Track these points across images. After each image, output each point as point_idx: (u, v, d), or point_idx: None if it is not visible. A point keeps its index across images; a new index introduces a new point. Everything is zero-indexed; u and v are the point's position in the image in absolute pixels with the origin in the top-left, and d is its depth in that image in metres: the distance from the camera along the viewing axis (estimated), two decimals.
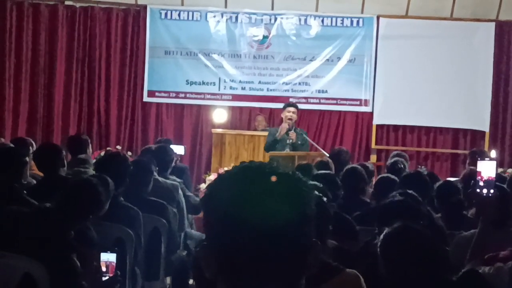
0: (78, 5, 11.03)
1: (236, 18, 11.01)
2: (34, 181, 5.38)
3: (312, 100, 10.98)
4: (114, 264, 3.49)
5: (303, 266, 1.32)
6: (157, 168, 5.85)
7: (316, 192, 2.55)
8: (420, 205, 3.91)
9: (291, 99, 10.38)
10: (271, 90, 11.04)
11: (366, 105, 11.03)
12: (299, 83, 11.04)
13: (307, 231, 1.31)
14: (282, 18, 11.01)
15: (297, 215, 1.29)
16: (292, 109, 8.50)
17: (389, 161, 7.18)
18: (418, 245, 2.80)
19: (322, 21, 11.00)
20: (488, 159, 3.51)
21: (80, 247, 3.60)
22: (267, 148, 8.44)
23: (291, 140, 8.22)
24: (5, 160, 4.64)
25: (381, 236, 2.87)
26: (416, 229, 2.87)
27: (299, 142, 8.31)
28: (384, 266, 2.83)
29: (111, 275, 3.46)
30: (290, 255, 1.29)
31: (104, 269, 3.46)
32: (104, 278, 3.45)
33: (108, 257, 3.48)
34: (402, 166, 6.65)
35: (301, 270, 1.33)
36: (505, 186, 4.58)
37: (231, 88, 11.06)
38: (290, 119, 8.39)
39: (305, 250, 1.31)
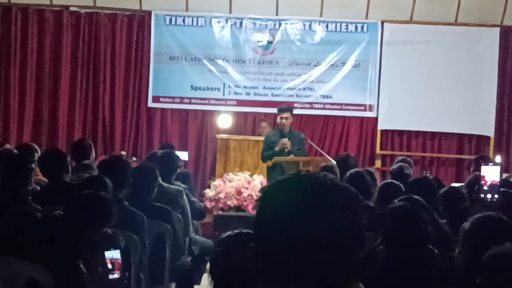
0: (82, 11, 11.05)
1: (241, 23, 11.02)
2: (39, 187, 5.38)
3: (316, 106, 10.98)
4: (120, 261, 3.48)
5: (346, 275, 1.35)
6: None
7: None
8: (423, 210, 3.89)
9: (295, 105, 10.37)
10: (275, 95, 11.04)
11: (370, 110, 11.03)
12: (304, 89, 11.04)
13: (359, 243, 1.34)
14: (286, 23, 11.01)
15: (349, 226, 1.33)
16: (285, 114, 8.34)
17: (394, 166, 7.16)
18: (504, 233, 2.87)
19: (327, 26, 10.99)
20: (492, 164, 3.50)
21: (86, 253, 3.60)
22: (265, 158, 8.25)
23: (286, 149, 8.12)
24: (11, 167, 4.65)
25: (471, 219, 2.93)
26: (505, 220, 2.98)
27: (296, 148, 8.20)
28: (464, 250, 2.89)
29: (117, 271, 3.45)
30: (336, 263, 1.31)
31: (110, 266, 3.45)
32: (111, 276, 3.44)
33: (112, 254, 3.47)
34: (407, 171, 6.63)
35: (343, 278, 1.35)
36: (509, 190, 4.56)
37: (235, 93, 11.06)
38: (282, 125, 8.29)
39: (351, 260, 1.34)
